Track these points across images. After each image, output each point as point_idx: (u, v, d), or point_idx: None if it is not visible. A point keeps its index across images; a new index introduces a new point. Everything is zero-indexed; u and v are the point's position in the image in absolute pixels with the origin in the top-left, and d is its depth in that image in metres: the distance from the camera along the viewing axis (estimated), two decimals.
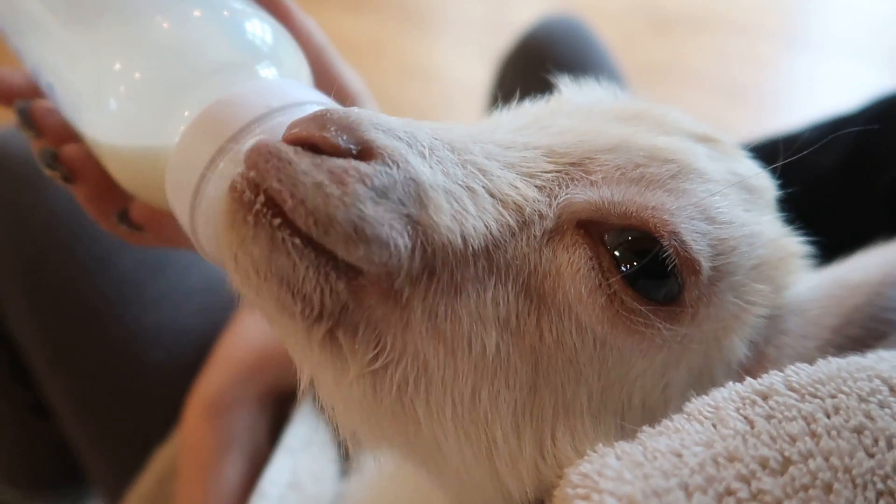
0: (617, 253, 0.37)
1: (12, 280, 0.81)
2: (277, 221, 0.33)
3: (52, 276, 0.80)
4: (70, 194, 0.50)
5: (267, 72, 0.42)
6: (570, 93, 0.47)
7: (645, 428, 0.35)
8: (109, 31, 0.42)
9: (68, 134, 0.47)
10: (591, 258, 0.37)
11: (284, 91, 0.39)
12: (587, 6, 2.37)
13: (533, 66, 1.09)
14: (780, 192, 0.45)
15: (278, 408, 0.73)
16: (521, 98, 0.46)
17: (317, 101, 0.40)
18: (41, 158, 0.47)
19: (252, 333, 0.74)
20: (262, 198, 0.33)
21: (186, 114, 0.39)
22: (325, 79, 0.52)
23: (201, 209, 0.38)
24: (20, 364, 0.85)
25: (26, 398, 0.88)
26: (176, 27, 0.42)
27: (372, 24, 2.63)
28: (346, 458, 0.68)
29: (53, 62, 0.45)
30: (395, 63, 2.43)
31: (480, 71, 1.79)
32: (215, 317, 0.82)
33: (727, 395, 0.34)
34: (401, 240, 0.33)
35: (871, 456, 0.30)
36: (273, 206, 0.33)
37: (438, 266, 0.35)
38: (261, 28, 0.44)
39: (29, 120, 0.47)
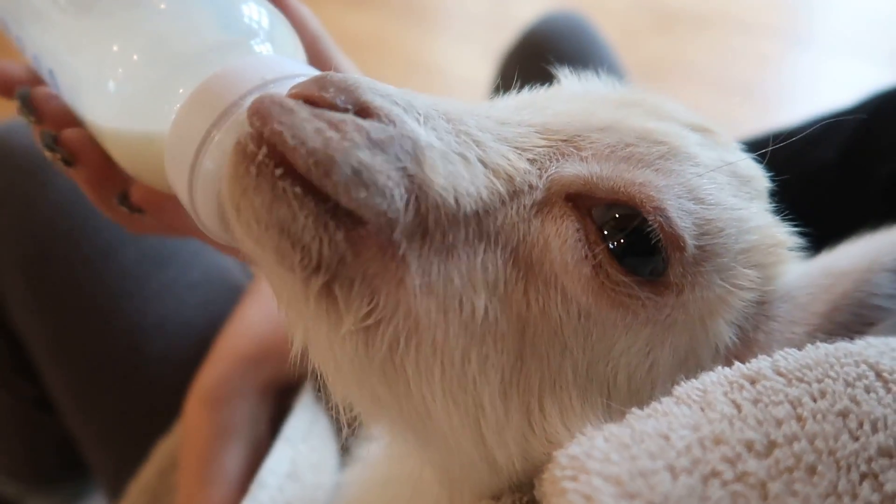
0: (605, 231, 0.38)
1: (15, 272, 0.81)
2: (279, 171, 0.34)
3: (55, 268, 0.80)
4: (73, 187, 0.50)
5: (261, 47, 0.43)
6: (569, 83, 0.47)
7: (634, 410, 0.35)
8: (107, 14, 0.43)
9: (69, 119, 0.47)
10: (577, 230, 0.38)
11: (279, 64, 0.40)
12: (589, 2, 2.37)
13: (535, 63, 1.09)
14: (776, 184, 0.46)
15: (279, 399, 0.73)
16: (518, 87, 0.47)
17: (310, 75, 0.41)
18: (42, 141, 0.48)
19: (253, 325, 0.75)
20: (264, 149, 0.34)
21: (182, 91, 0.40)
22: (319, 66, 0.52)
23: (199, 182, 0.38)
24: (22, 356, 0.86)
25: (28, 391, 0.89)
26: (173, 8, 0.43)
27: (374, 20, 2.63)
28: (345, 448, 0.68)
29: (53, 47, 0.45)
30: (398, 59, 2.43)
31: (483, 67, 1.79)
32: (217, 310, 0.83)
33: (716, 379, 0.34)
34: (397, 190, 0.34)
35: (856, 439, 0.30)
36: (275, 155, 0.34)
37: (431, 225, 0.36)
38: (257, 11, 0.45)
39: (30, 105, 0.48)
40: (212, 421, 0.70)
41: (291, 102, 0.35)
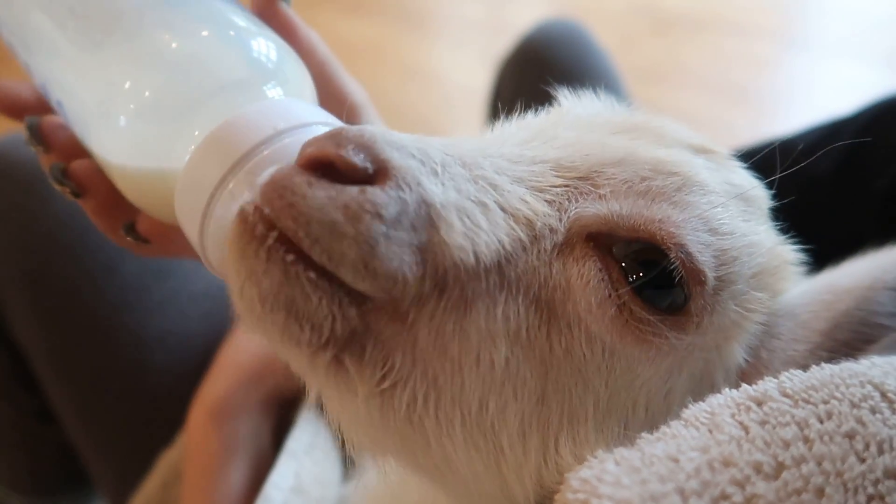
0: (624, 264, 0.38)
1: (17, 285, 0.81)
2: (291, 258, 0.33)
3: (57, 281, 0.81)
4: (74, 202, 0.50)
5: (273, 91, 0.43)
6: (570, 104, 0.47)
7: (643, 434, 0.35)
8: (119, 50, 0.43)
9: (77, 149, 0.47)
10: (600, 270, 0.38)
11: (291, 112, 0.40)
12: (586, 7, 2.38)
13: (532, 71, 1.10)
14: (777, 201, 0.46)
15: (281, 412, 0.73)
16: (521, 104, 0.46)
17: (322, 122, 0.41)
18: (51, 174, 0.48)
19: (255, 339, 0.75)
20: (274, 234, 0.33)
21: (196, 133, 0.40)
22: (328, 91, 0.53)
23: (211, 229, 0.38)
24: (25, 369, 0.86)
25: (31, 403, 0.89)
26: (184, 47, 0.43)
27: (371, 27, 2.63)
28: (349, 462, 0.68)
29: (63, 79, 0.45)
30: (395, 65, 2.44)
31: (479, 73, 1.80)
32: (219, 322, 0.83)
33: (723, 402, 0.35)
34: (409, 272, 0.34)
35: (863, 461, 0.31)
36: (286, 241, 0.34)
37: (449, 283, 0.35)
38: (266, 47, 0.45)
39: (38, 135, 0.48)
40: (215, 435, 0.70)
41: (303, 184, 0.33)
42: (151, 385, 0.81)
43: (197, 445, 0.70)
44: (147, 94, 0.41)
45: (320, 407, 0.40)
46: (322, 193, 0.33)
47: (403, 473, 0.49)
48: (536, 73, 1.07)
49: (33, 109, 0.50)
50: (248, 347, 0.74)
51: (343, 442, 0.40)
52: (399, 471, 0.43)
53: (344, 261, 0.33)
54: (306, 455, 0.68)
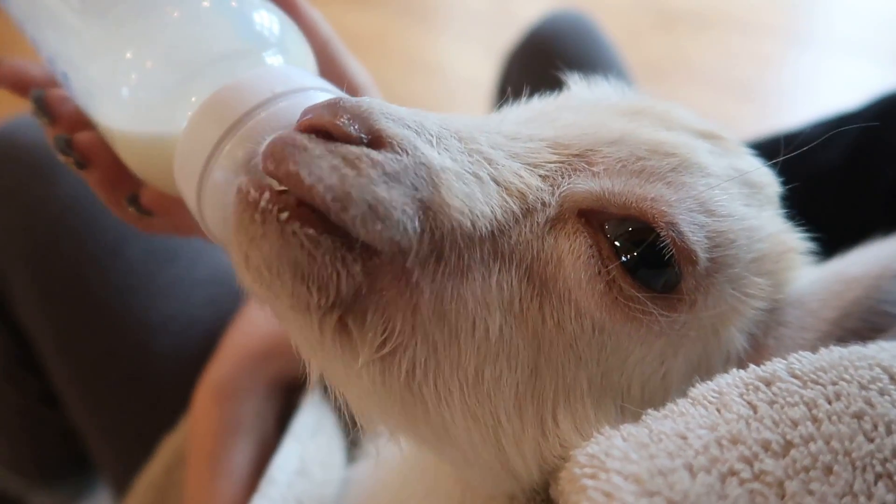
0: (617, 243, 0.38)
1: (22, 268, 0.82)
2: (285, 215, 0.34)
3: (62, 264, 0.81)
4: (81, 184, 0.51)
5: (273, 60, 0.44)
6: (578, 89, 0.47)
7: (650, 411, 0.35)
8: (122, 21, 0.43)
9: (82, 121, 0.48)
10: (591, 246, 0.38)
11: (288, 77, 0.41)
12: (592, 1, 2.37)
13: (538, 62, 1.10)
14: (783, 189, 0.46)
15: (286, 395, 0.74)
16: (527, 93, 0.47)
17: (319, 87, 0.41)
18: (55, 145, 0.48)
19: (260, 322, 0.75)
20: (266, 195, 0.34)
21: (194, 100, 0.40)
22: (330, 70, 0.53)
23: (207, 191, 0.39)
24: (29, 352, 0.86)
25: (34, 386, 0.89)
26: (186, 17, 0.43)
27: (376, 18, 2.63)
28: (352, 445, 0.69)
29: (67, 51, 0.46)
30: (400, 57, 2.43)
31: (484, 65, 1.79)
32: (223, 307, 0.83)
33: (731, 381, 0.35)
34: (410, 223, 0.34)
35: (871, 440, 0.31)
36: (279, 200, 0.34)
37: (447, 249, 0.36)
38: (268, 18, 0.45)
39: (44, 107, 0.48)
40: (220, 417, 0.70)
41: (304, 139, 0.34)
42: (155, 369, 0.82)
43: (201, 427, 0.71)
44: (149, 63, 0.42)
45: (324, 388, 0.40)
46: (322, 146, 0.34)
47: (407, 455, 0.49)
48: (543, 65, 1.07)
49: (41, 86, 0.50)
50: (254, 330, 0.74)
51: (346, 418, 0.40)
52: (402, 452, 0.43)
53: (350, 201, 0.33)
54: (311, 438, 0.68)
